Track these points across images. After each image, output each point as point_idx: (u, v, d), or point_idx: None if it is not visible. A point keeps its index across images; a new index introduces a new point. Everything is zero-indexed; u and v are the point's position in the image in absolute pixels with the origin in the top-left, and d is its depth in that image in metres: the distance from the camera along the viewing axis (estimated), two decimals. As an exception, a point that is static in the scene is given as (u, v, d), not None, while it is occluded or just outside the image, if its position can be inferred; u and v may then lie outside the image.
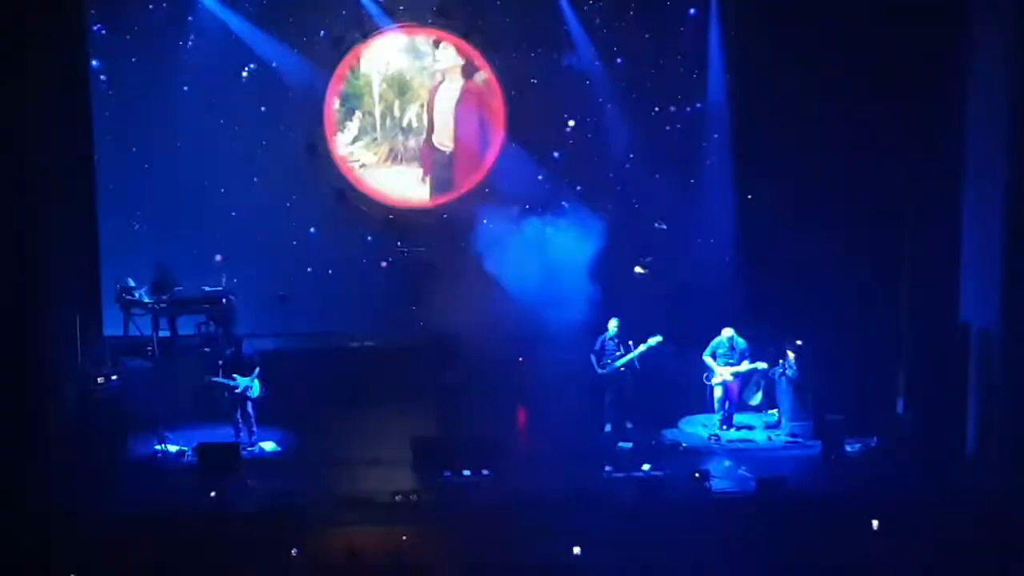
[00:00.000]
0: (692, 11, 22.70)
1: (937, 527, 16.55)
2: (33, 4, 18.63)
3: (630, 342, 19.70)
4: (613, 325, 19.82)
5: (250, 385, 18.86)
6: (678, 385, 21.25)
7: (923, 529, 16.54)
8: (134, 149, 22.29)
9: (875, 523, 16.41)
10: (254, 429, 18.93)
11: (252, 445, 18.76)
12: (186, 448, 18.57)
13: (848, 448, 18.30)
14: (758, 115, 22.31)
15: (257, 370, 18.98)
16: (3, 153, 17.94)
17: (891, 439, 18.33)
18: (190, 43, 22.13)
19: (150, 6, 21.92)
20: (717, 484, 17.33)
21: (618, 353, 19.46)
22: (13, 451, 17.32)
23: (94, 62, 21.68)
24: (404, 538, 16.12)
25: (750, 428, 19.69)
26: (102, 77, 21.97)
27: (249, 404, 18.93)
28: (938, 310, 18.20)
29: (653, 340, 20.55)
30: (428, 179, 23.48)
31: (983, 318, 17.85)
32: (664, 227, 23.00)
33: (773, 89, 21.50)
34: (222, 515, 16.63)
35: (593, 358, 19.60)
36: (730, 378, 19.45)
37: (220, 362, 19.10)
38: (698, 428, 19.78)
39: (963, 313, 18.21)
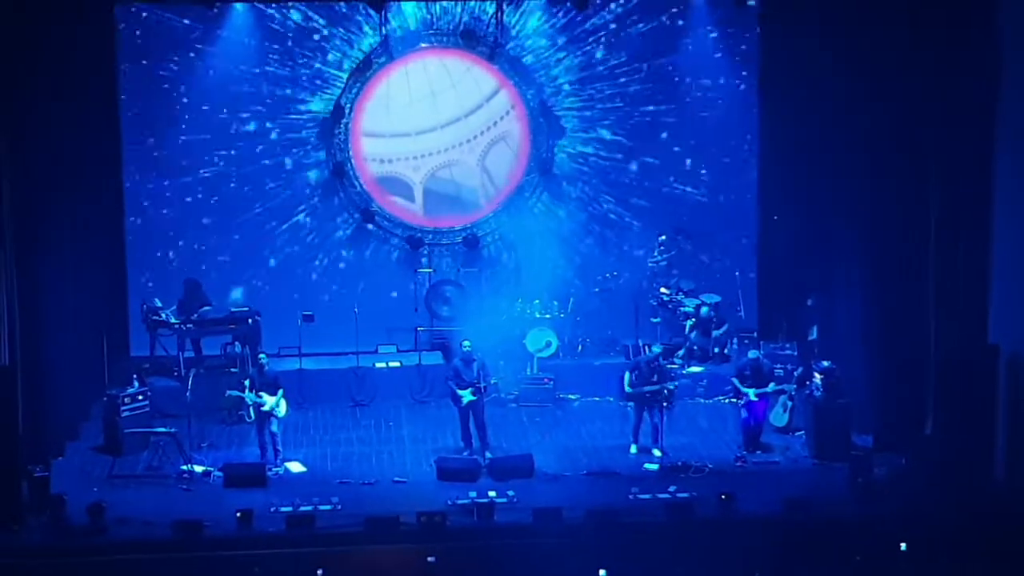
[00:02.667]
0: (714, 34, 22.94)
1: (965, 549, 16.48)
2: (66, 33, 18.83)
3: (672, 366, 19.61)
4: (656, 349, 19.79)
5: (276, 404, 18.85)
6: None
7: (951, 551, 16.47)
8: (158, 163, 22.37)
9: (903, 545, 16.33)
10: (279, 448, 18.92)
11: (278, 465, 18.74)
12: (212, 468, 18.58)
13: (876, 470, 18.18)
14: (783, 130, 22.33)
15: (281, 390, 18.99)
16: (33, 173, 18.07)
17: (919, 461, 18.21)
18: (217, 64, 22.20)
19: (176, 30, 21.99)
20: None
21: (654, 378, 19.33)
22: (40, 471, 17.41)
23: (124, 67, 21.91)
24: (430, 559, 16.10)
25: None
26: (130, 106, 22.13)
27: (275, 423, 18.92)
28: (966, 331, 18.09)
29: (693, 369, 20.58)
30: (453, 198, 23.48)
31: (1012, 339, 17.75)
32: (689, 247, 23.02)
33: (799, 107, 21.51)
34: (248, 535, 16.62)
35: (629, 375, 19.50)
36: (755, 399, 19.35)
37: (246, 381, 19.12)
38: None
39: (991, 334, 18.10)
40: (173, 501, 17.66)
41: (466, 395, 19.02)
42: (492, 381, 19.57)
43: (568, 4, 22.44)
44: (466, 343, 19.38)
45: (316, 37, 22.54)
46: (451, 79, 23.02)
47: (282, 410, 18.92)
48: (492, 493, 17.56)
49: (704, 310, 22.21)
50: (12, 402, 17.06)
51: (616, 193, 23.39)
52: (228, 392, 19.52)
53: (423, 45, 22.95)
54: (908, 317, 18.86)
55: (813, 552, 16.25)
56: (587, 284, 22.98)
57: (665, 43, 22.94)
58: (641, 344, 21.82)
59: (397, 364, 22.20)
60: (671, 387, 19.38)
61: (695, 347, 22.31)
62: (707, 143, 23.25)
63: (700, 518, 17.08)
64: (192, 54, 22.11)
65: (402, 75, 22.87)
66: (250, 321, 21.62)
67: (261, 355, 19.53)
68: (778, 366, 20.34)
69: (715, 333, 22.29)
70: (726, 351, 22.33)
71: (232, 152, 22.56)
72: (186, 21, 21.98)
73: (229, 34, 22.17)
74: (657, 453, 19.09)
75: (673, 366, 20.95)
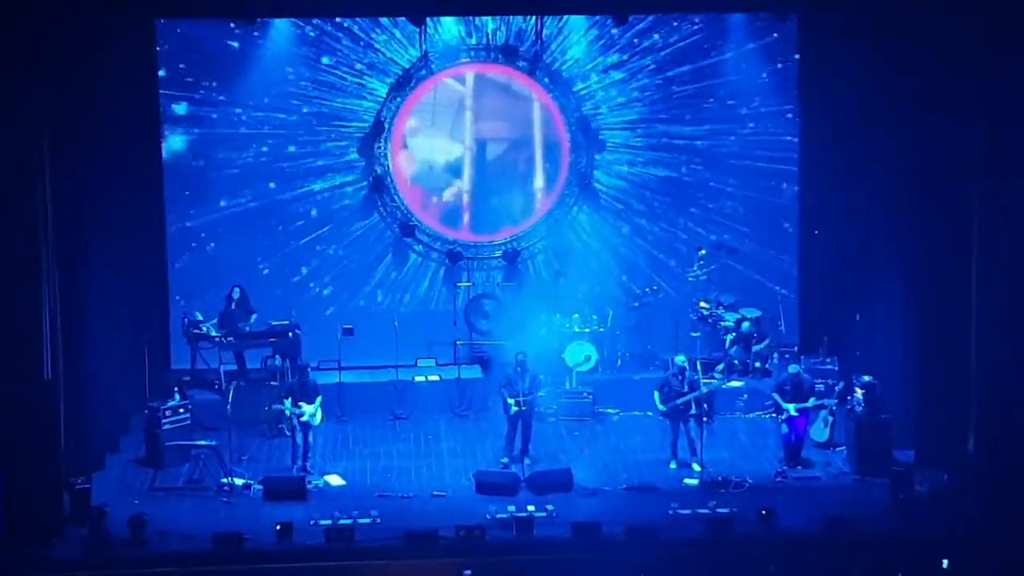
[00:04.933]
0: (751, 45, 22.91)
1: (1008, 566, 16.37)
2: (107, 50, 19.01)
3: (698, 379, 19.53)
4: (679, 361, 19.71)
5: (314, 413, 18.91)
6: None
7: (993, 568, 16.35)
8: (199, 177, 22.52)
9: (945, 562, 16.21)
10: (309, 456, 19.03)
11: (311, 473, 18.81)
12: (252, 481, 18.64)
13: (917, 486, 18.06)
14: (823, 144, 22.26)
15: (320, 398, 19.05)
16: (76, 187, 18.21)
17: (961, 477, 18.09)
18: (256, 79, 22.33)
19: (216, 46, 22.11)
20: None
21: (683, 390, 19.29)
22: (81, 483, 17.51)
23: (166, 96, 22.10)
24: (467, 572, 16.08)
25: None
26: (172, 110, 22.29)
27: (311, 432, 18.97)
28: (1009, 346, 17.94)
29: (716, 382, 20.46)
30: (493, 212, 23.50)
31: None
32: (729, 261, 22.96)
33: (840, 122, 21.46)
34: (287, 548, 16.66)
35: (658, 393, 19.49)
36: (796, 414, 19.25)
37: (284, 393, 19.19)
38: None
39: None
40: (213, 514, 17.74)
41: (512, 405, 19.06)
42: (540, 394, 19.56)
43: (608, 20, 22.45)
44: (520, 354, 19.41)
45: (355, 51, 22.63)
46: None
47: (318, 419, 18.96)
48: (531, 507, 17.53)
49: (745, 325, 22.12)
50: (54, 414, 17.17)
51: (655, 207, 23.38)
52: (271, 406, 19.60)
53: (463, 60, 23.01)
54: (950, 332, 18.73)
55: (854, 568, 16.17)
56: (626, 298, 22.95)
57: (705, 59, 22.89)
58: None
59: (436, 378, 22.20)
60: (703, 391, 19.29)
61: (735, 361, 22.22)
62: (747, 158, 23.17)
63: (740, 534, 17.02)
64: (231, 70, 22.24)
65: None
66: (290, 334, 21.69)
67: (307, 367, 19.58)
68: (819, 381, 20.23)
69: (755, 348, 22.19)
70: (767, 366, 22.23)
71: (271, 166, 22.66)
72: (226, 37, 22.11)
73: (269, 49, 22.28)
74: (697, 468, 19.02)
75: (713, 380, 20.82)
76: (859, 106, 20.68)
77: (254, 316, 21.88)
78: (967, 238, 18.23)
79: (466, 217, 23.49)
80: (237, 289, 21.93)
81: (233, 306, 21.81)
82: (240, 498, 18.29)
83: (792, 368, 19.72)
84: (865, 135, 20.63)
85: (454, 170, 23.38)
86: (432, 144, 23.30)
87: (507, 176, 23.44)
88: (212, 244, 22.73)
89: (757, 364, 22.20)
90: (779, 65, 22.88)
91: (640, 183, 23.35)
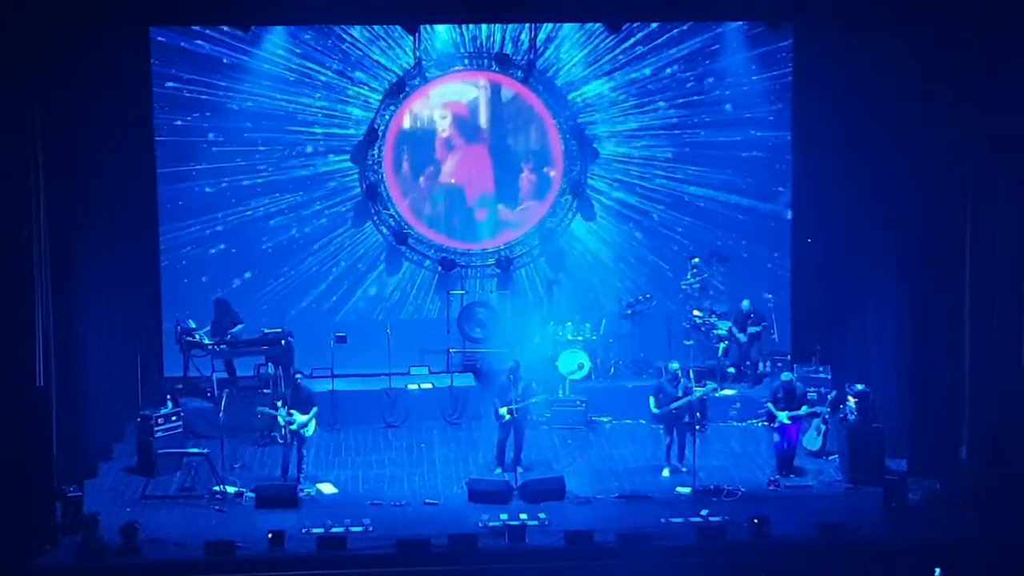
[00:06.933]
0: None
1: (1000, 574, 16.37)
2: (102, 58, 19.06)
3: (691, 385, 19.55)
4: (673, 367, 19.72)
5: (306, 423, 18.88)
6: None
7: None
8: (192, 183, 22.48)
9: (937, 570, 16.22)
10: (303, 467, 18.96)
11: (301, 483, 18.76)
12: (244, 489, 18.61)
13: (910, 494, 18.07)
14: (817, 153, 22.29)
15: (315, 409, 19.02)
16: (68, 195, 18.21)
17: (954, 485, 18.10)
18: (250, 87, 22.32)
19: (210, 54, 22.11)
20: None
21: (678, 395, 19.32)
22: (73, 491, 17.49)
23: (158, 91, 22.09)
24: (461, 581, 16.15)
25: None
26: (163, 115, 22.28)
27: (303, 445, 18.93)
28: (1001, 354, 17.96)
29: (708, 387, 20.45)
30: (486, 220, 23.51)
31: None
32: (722, 270, 22.97)
33: (833, 130, 21.51)
34: (280, 556, 16.65)
35: (653, 399, 19.49)
36: (788, 422, 19.26)
37: (280, 401, 19.15)
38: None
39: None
40: (205, 522, 17.71)
41: (504, 413, 19.08)
42: (533, 400, 19.57)
43: (601, 28, 22.45)
44: (511, 362, 19.46)
45: (350, 59, 22.64)
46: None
47: (310, 429, 18.94)
48: (523, 516, 17.53)
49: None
50: (47, 422, 17.15)
51: (649, 215, 23.40)
52: (259, 408, 19.59)
53: (457, 67, 23.03)
54: (943, 340, 18.75)
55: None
56: (619, 306, 22.96)
57: (699, 67, 22.95)
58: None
59: (429, 386, 22.19)
60: (697, 395, 19.28)
61: (728, 369, 22.22)
62: (741, 167, 23.20)
63: (733, 542, 17.01)
64: (225, 77, 22.22)
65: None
66: (283, 342, 21.69)
67: (297, 374, 19.57)
68: (812, 389, 20.23)
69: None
70: (760, 371, 22.24)
71: (264, 174, 22.66)
72: (220, 46, 22.12)
73: (262, 57, 22.28)
74: (683, 469, 19.03)
75: (702, 388, 20.83)
76: (853, 115, 20.71)
77: (239, 326, 21.85)
78: (961, 246, 18.27)
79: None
80: (220, 302, 21.90)
81: (219, 317, 21.79)
82: (232, 506, 18.26)
83: (785, 376, 19.74)
84: (859, 143, 20.66)
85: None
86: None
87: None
88: (206, 252, 22.69)
89: (748, 363, 22.15)
90: (774, 73, 22.91)
91: (634, 191, 23.37)
